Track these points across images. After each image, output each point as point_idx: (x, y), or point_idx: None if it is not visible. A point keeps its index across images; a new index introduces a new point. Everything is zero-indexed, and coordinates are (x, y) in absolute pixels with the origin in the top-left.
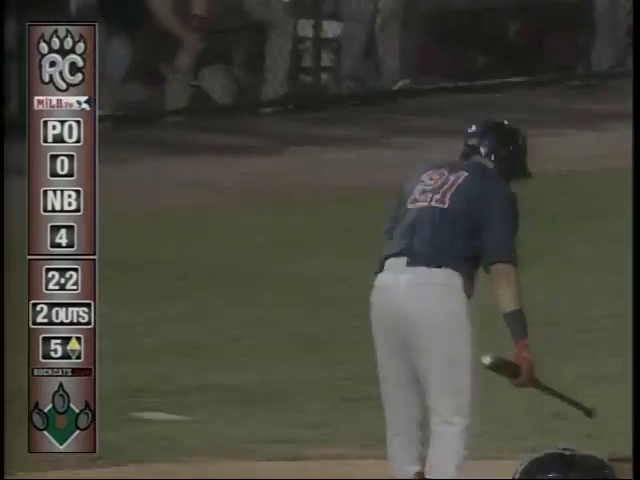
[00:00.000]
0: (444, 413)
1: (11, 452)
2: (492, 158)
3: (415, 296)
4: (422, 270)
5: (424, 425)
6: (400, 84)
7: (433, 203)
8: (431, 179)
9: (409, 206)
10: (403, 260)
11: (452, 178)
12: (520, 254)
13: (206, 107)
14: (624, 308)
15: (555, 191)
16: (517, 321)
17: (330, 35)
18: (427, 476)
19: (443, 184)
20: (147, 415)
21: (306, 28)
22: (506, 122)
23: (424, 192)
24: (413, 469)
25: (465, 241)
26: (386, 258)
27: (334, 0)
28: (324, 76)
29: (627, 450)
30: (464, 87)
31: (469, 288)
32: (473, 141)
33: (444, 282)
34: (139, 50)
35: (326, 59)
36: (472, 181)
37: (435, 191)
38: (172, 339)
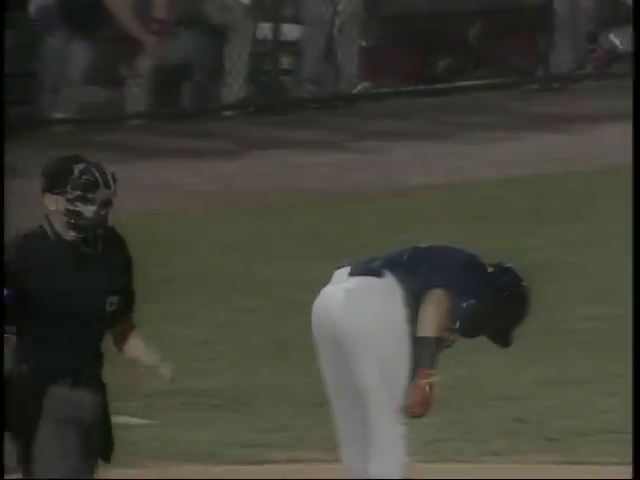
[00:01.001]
0: (378, 424)
1: None
2: None
3: (347, 304)
4: (360, 279)
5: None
6: (360, 87)
7: None
8: None
9: None
10: (347, 270)
11: None
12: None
13: (167, 111)
14: (591, 310)
15: (519, 194)
16: (429, 348)
17: (290, 38)
18: None
19: None
20: (112, 419)
21: (265, 31)
22: None
23: None
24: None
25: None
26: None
27: (293, 3)
28: (284, 79)
29: (586, 452)
30: (425, 90)
31: (413, 300)
32: None
33: (379, 289)
34: (99, 53)
35: (286, 62)
36: None
37: None
38: None
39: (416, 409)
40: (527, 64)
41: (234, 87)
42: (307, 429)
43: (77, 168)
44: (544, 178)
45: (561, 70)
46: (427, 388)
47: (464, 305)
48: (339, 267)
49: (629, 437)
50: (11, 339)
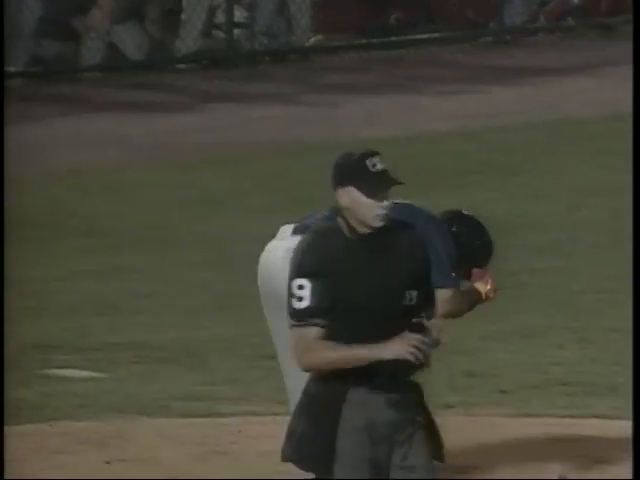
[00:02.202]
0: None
1: None
2: None
3: (286, 263)
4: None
5: None
6: (312, 40)
7: None
8: None
9: None
10: (291, 227)
11: None
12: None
13: (120, 64)
14: (539, 263)
15: (470, 147)
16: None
17: None
18: None
19: None
20: (61, 372)
21: None
22: None
23: None
24: None
25: None
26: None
27: None
28: (237, 32)
29: (538, 405)
30: (377, 43)
31: None
32: None
33: None
34: (52, 6)
35: (239, 16)
36: None
37: None
38: (86, 296)
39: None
40: (480, 17)
41: (188, 40)
42: (256, 382)
43: (371, 162)
44: (495, 131)
45: (514, 23)
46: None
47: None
48: (286, 223)
49: (579, 389)
50: (322, 333)
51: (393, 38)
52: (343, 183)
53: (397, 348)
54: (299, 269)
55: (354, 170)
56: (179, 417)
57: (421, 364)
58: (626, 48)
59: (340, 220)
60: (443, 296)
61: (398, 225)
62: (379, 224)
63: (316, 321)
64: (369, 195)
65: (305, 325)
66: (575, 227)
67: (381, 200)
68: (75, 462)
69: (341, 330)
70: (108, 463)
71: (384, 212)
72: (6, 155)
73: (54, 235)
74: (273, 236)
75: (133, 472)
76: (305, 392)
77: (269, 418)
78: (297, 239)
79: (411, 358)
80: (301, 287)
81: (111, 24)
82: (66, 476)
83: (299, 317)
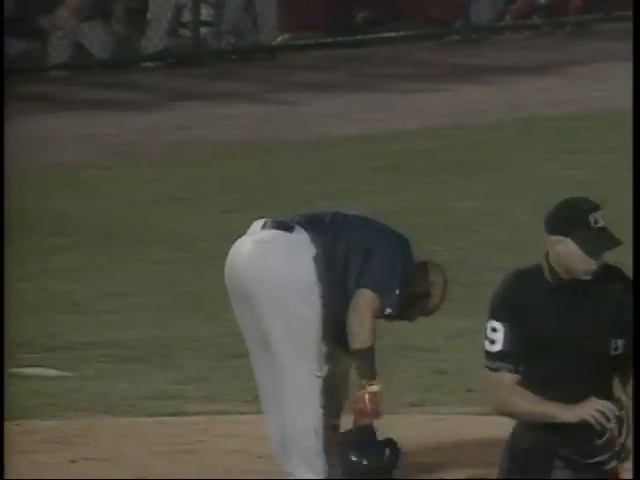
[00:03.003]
0: (287, 378)
1: None
2: None
3: (253, 257)
4: (270, 232)
5: None
6: (280, 39)
7: None
8: None
9: None
10: (261, 222)
11: None
12: (404, 211)
13: (87, 62)
14: (505, 260)
15: (437, 146)
16: (365, 359)
17: None
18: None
19: None
20: (29, 371)
21: None
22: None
23: None
24: None
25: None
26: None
27: None
28: (204, 31)
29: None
30: (344, 42)
31: (325, 260)
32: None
33: (287, 244)
34: (19, 3)
35: (206, 14)
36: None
37: None
38: (55, 294)
39: (361, 419)
40: (447, 15)
41: (154, 39)
42: (224, 381)
43: (593, 217)
44: (464, 129)
45: (481, 21)
46: (367, 398)
47: (396, 293)
48: (259, 219)
49: None
50: (515, 379)
51: (360, 37)
52: (561, 232)
53: (583, 411)
54: (494, 311)
55: (575, 223)
56: (146, 416)
57: (603, 435)
58: (592, 47)
59: (544, 263)
60: (358, 303)
61: (606, 269)
62: (588, 278)
63: (508, 366)
64: (587, 252)
65: (497, 369)
66: (541, 225)
67: (597, 257)
68: (41, 461)
69: (537, 376)
70: (74, 462)
71: (596, 268)
72: None
73: (22, 233)
74: (242, 233)
75: (99, 471)
76: (513, 435)
77: (236, 417)
78: (267, 233)
79: (592, 421)
80: (494, 330)
81: (77, 22)
82: (32, 475)
83: (492, 360)
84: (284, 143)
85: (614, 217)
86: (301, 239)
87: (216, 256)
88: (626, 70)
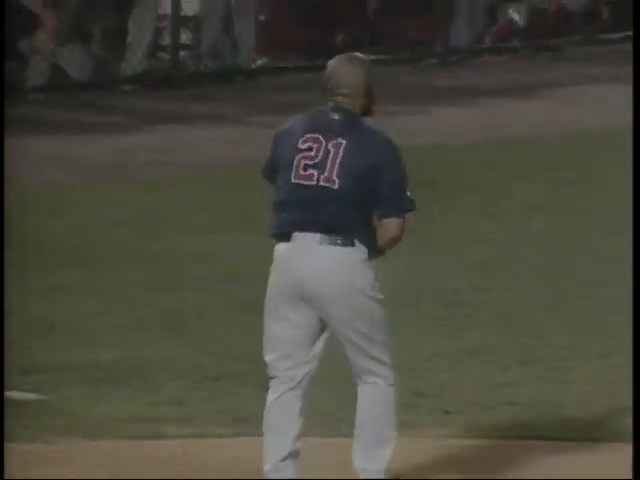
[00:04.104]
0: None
1: None
2: (356, 100)
3: (334, 275)
4: (339, 249)
5: None
6: (259, 62)
7: (322, 182)
8: (310, 149)
9: (294, 180)
10: (314, 236)
11: (332, 150)
12: None
13: (66, 84)
14: (488, 280)
15: (418, 167)
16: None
17: (188, 13)
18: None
19: (324, 158)
20: (5, 394)
21: (165, 6)
22: (356, 54)
23: (307, 167)
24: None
25: (361, 214)
26: (287, 229)
27: None
28: (183, 54)
29: (485, 425)
30: (322, 65)
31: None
32: (332, 83)
33: (359, 259)
34: None
35: (185, 37)
36: (352, 152)
37: (319, 167)
38: (30, 315)
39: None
40: (426, 38)
41: (133, 61)
42: (202, 403)
43: None
44: (442, 150)
45: (460, 44)
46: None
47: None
48: (299, 229)
49: (525, 409)
50: None
51: None
52: None
53: None
54: None
55: None
56: (124, 439)
57: None
58: (571, 70)
59: None
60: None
61: None
62: None
63: None
64: None
65: None
66: (521, 245)
67: None
68: None
69: None
70: None
71: None
72: None
73: None
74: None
75: None
76: None
77: (214, 440)
78: (331, 249)
79: None
80: None
81: (56, 46)
82: None
83: None
84: (262, 165)
85: (594, 238)
86: (361, 249)
87: (189, 277)
88: (604, 92)
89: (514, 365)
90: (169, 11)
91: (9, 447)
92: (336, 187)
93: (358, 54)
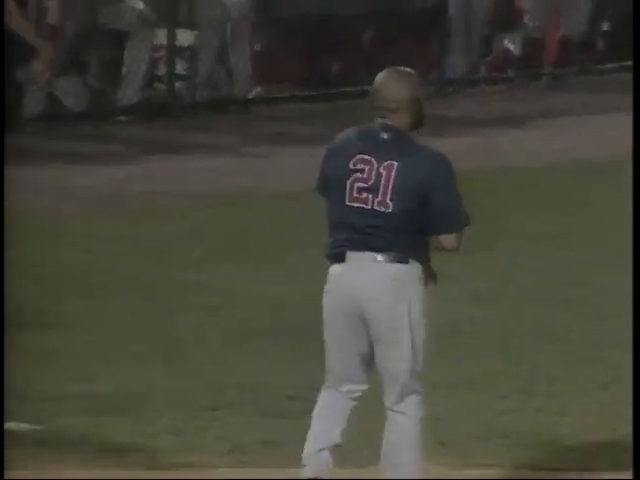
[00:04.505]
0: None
1: None
2: (405, 115)
3: (388, 291)
4: (392, 266)
5: None
6: (254, 92)
7: (376, 206)
8: (362, 170)
9: (348, 203)
10: (368, 255)
11: (383, 172)
12: None
13: (62, 114)
14: (482, 311)
15: None
16: None
17: (184, 43)
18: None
19: (377, 180)
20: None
21: (160, 36)
22: (406, 69)
23: (361, 190)
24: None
25: (416, 234)
26: (341, 249)
27: (188, 8)
28: (179, 84)
29: (479, 456)
30: (318, 95)
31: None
32: (379, 98)
33: (414, 275)
34: None
35: (180, 68)
36: (404, 174)
37: (373, 190)
38: (25, 345)
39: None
40: (421, 68)
41: (129, 92)
42: (199, 432)
43: None
44: None
45: (456, 74)
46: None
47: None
48: (353, 249)
49: (522, 440)
50: None
51: (334, 89)
52: None
53: None
54: None
55: None
56: (121, 469)
57: None
58: (567, 99)
59: None
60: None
61: None
62: None
63: None
64: None
65: None
66: (518, 275)
67: None
68: None
69: None
70: None
71: None
72: None
73: None
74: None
75: None
76: None
77: (210, 470)
78: (390, 266)
79: None
80: None
81: (52, 76)
82: None
83: None
84: (259, 195)
85: (592, 270)
86: (416, 266)
87: (185, 307)
88: (601, 122)
89: (512, 395)
90: (164, 42)
91: (9, 474)
92: (390, 210)
93: (404, 68)
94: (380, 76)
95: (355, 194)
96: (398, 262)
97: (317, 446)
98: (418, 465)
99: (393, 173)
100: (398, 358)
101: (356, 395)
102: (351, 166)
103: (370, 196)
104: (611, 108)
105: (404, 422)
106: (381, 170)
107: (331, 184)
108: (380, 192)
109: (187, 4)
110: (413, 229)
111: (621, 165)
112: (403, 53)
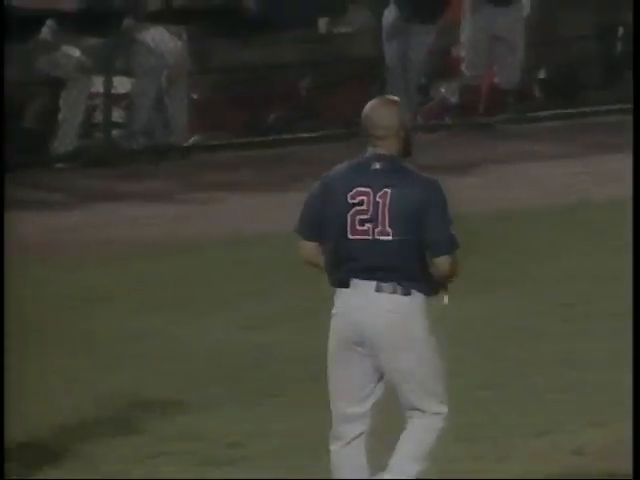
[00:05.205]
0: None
1: None
2: (394, 142)
3: (390, 324)
4: (395, 298)
5: None
6: (192, 140)
7: (377, 236)
8: (361, 202)
9: (350, 236)
10: (371, 284)
11: (380, 201)
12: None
13: None
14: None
15: None
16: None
17: (121, 91)
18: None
19: (375, 210)
20: None
21: (97, 84)
22: (393, 97)
23: (362, 222)
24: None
25: (417, 258)
26: (345, 277)
27: (124, 56)
28: (115, 132)
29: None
30: (257, 142)
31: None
32: (368, 126)
33: (417, 308)
34: None
35: (117, 116)
36: (398, 200)
37: (373, 220)
38: None
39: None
40: (359, 116)
41: (65, 140)
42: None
43: None
44: None
45: None
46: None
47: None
48: (357, 277)
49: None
50: None
51: (272, 137)
52: None
53: None
54: None
55: None
56: None
57: None
58: (504, 147)
59: None
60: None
61: None
62: None
63: None
64: None
65: None
66: (463, 322)
67: None
68: None
69: None
70: None
71: None
72: None
73: None
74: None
75: None
76: None
77: None
78: (395, 298)
79: None
80: None
81: None
82: None
83: None
84: (199, 242)
85: (531, 318)
86: (419, 297)
87: (126, 356)
88: (540, 170)
89: (452, 443)
90: (101, 89)
91: None
92: (390, 238)
93: (390, 96)
94: (369, 104)
95: (357, 227)
96: (402, 295)
97: None
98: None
99: (387, 201)
100: (415, 385)
101: (353, 436)
102: (349, 200)
103: (370, 226)
104: (549, 156)
105: (419, 432)
106: (377, 199)
107: (329, 220)
108: (379, 221)
109: (124, 52)
110: (415, 254)
111: (561, 213)
112: (341, 101)
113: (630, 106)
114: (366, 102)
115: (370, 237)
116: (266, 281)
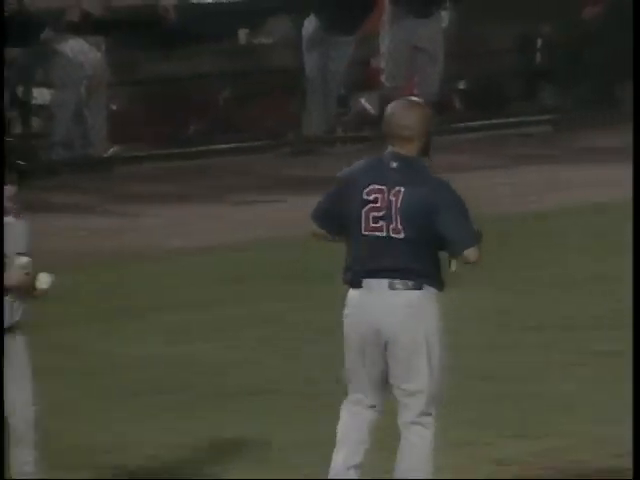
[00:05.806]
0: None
1: None
2: (415, 144)
3: (402, 319)
4: (407, 293)
5: None
6: (111, 151)
7: (391, 233)
8: (375, 200)
9: (364, 232)
10: (383, 282)
11: (393, 199)
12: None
13: None
14: None
15: (279, 257)
16: None
17: (40, 102)
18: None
19: (389, 208)
20: None
21: (17, 95)
22: (415, 98)
23: (376, 219)
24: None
25: (429, 256)
26: (358, 277)
27: (44, 67)
28: (34, 143)
29: None
30: (177, 154)
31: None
32: (390, 126)
33: (430, 301)
34: None
35: (36, 126)
36: (410, 199)
37: (387, 218)
38: None
39: None
40: (279, 127)
41: None
42: None
43: None
44: (298, 240)
45: (313, 133)
46: None
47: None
48: (369, 276)
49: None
50: None
51: (194, 148)
52: None
53: None
54: None
55: None
56: None
57: None
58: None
59: None
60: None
61: None
62: None
63: None
64: None
65: None
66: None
67: None
68: None
69: None
70: None
71: None
72: None
73: None
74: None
75: None
76: None
77: None
78: (407, 293)
79: None
80: None
81: None
82: None
83: None
84: (125, 255)
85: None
86: (430, 291)
87: (55, 370)
88: (465, 181)
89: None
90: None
91: None
92: (402, 236)
93: (413, 98)
94: (395, 104)
95: (371, 224)
96: (414, 289)
97: (347, 464)
98: None
99: (400, 199)
100: (415, 379)
101: (377, 409)
102: (365, 197)
103: (384, 224)
104: (471, 167)
105: (416, 440)
106: (391, 197)
107: (346, 219)
108: (393, 219)
109: (43, 62)
110: (426, 252)
111: (489, 223)
112: (261, 112)
113: (549, 117)
114: (286, 113)
115: (384, 234)
116: (199, 293)
